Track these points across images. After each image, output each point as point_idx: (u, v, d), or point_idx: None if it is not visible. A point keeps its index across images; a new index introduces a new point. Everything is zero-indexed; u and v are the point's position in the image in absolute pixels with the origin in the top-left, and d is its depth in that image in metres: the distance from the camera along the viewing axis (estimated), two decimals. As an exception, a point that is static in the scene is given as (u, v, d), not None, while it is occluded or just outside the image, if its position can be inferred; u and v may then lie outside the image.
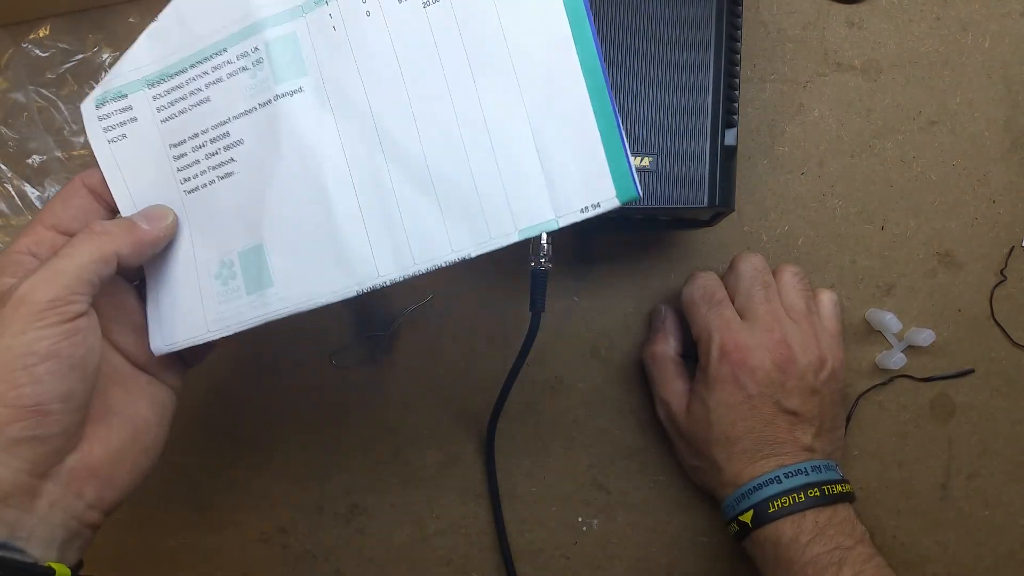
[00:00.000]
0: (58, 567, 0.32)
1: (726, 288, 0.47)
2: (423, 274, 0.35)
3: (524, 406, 0.52)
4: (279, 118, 0.36)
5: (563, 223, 0.34)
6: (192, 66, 0.37)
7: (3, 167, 0.50)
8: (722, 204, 0.43)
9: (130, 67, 0.37)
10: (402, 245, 0.35)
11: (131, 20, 0.50)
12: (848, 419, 0.51)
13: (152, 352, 0.38)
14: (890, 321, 0.50)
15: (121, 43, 0.50)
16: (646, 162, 0.42)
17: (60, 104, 0.50)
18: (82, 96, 0.49)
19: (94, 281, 0.33)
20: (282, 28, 0.36)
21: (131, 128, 0.38)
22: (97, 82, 0.49)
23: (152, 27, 0.37)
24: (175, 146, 0.38)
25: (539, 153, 0.34)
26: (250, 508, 0.52)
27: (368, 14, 0.35)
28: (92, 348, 0.33)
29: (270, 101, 0.36)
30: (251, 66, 0.36)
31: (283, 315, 0.36)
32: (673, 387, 0.48)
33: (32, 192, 0.50)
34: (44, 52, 0.49)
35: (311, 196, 0.36)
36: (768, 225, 0.52)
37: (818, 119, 0.51)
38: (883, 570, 0.41)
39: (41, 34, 0.49)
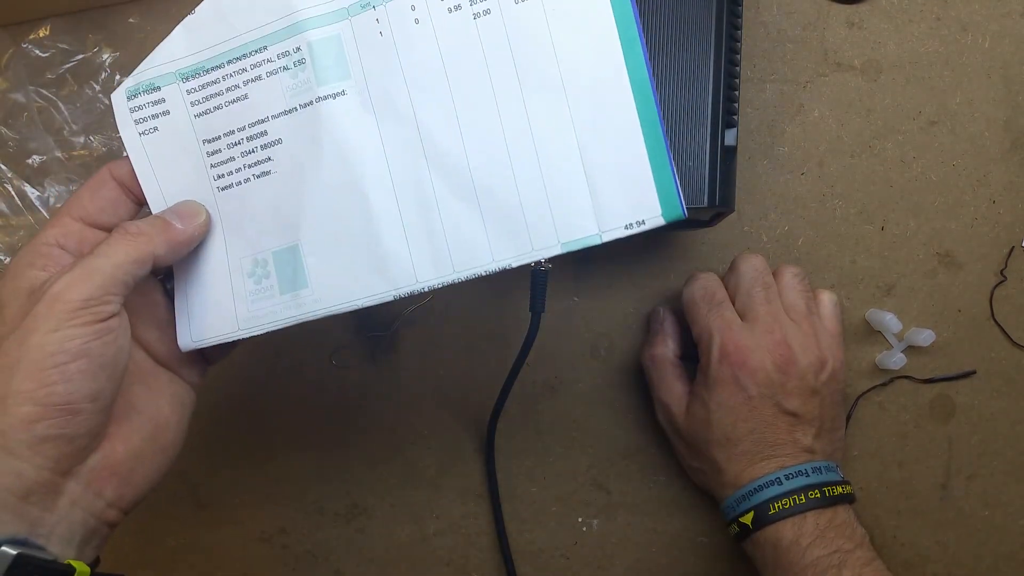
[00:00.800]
0: (78, 565, 0.32)
1: (726, 289, 0.47)
2: (462, 282, 0.35)
3: (524, 406, 0.52)
4: (320, 120, 0.36)
5: (606, 239, 0.34)
6: (230, 62, 0.36)
7: (3, 167, 0.50)
8: (722, 204, 0.43)
9: (164, 59, 0.37)
10: (442, 252, 0.35)
11: (131, 20, 0.50)
12: (848, 419, 0.51)
13: (179, 348, 0.38)
14: (890, 321, 0.50)
15: (121, 43, 0.50)
16: (646, 162, 0.42)
17: (60, 104, 0.50)
18: (82, 96, 0.49)
19: (128, 282, 0.33)
20: (326, 30, 0.35)
21: (163, 121, 0.37)
22: (97, 82, 0.49)
23: (189, 19, 0.36)
24: (209, 142, 0.37)
25: (585, 168, 0.34)
26: (250, 508, 0.52)
27: (417, 22, 0.35)
28: (122, 348, 0.33)
29: (312, 103, 0.36)
30: (292, 66, 0.36)
31: (318, 316, 0.36)
32: (672, 389, 0.48)
33: (32, 192, 0.50)
34: (44, 52, 0.49)
35: (351, 200, 0.36)
36: (768, 225, 0.52)
37: (818, 119, 0.51)
38: (882, 574, 0.41)
39: (41, 34, 0.49)
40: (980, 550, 0.51)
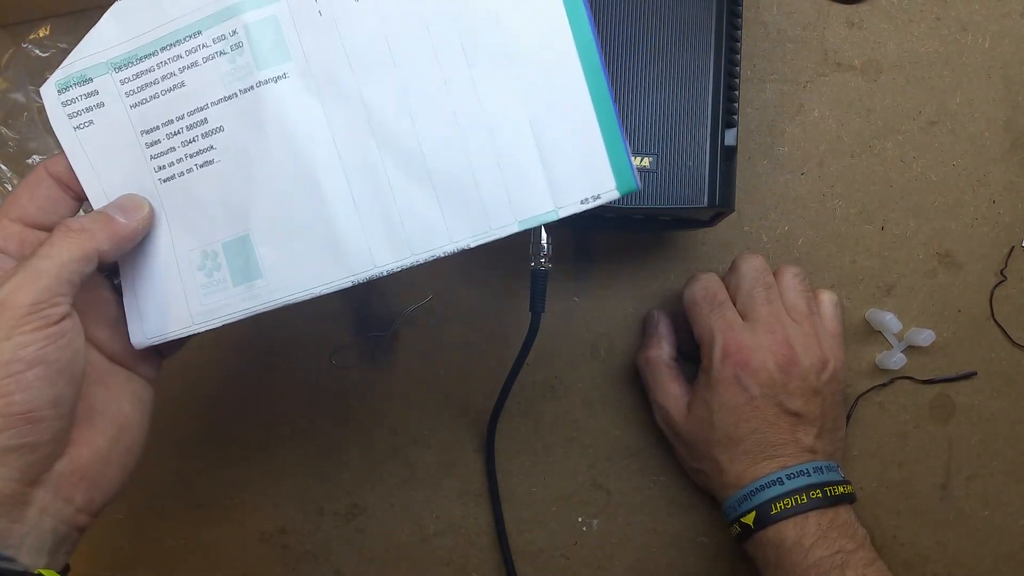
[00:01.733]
0: (48, 573, 0.32)
1: (727, 289, 0.47)
2: (421, 264, 0.34)
3: (524, 406, 0.52)
4: (263, 105, 0.35)
5: (563, 214, 0.34)
6: (163, 49, 0.35)
7: (3, 167, 0.50)
8: (722, 204, 0.43)
9: (94, 48, 0.35)
10: (399, 235, 0.34)
11: (131, 20, 0.50)
12: (848, 419, 0.51)
13: (132, 345, 0.37)
14: (890, 321, 0.50)
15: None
16: (646, 162, 0.42)
17: (60, 104, 0.50)
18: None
19: (75, 281, 0.32)
20: (261, 11, 0.34)
21: (98, 114, 0.36)
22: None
23: (117, 6, 0.35)
24: (147, 132, 0.36)
25: (538, 145, 0.34)
26: (250, 508, 0.52)
27: (357, 0, 0.34)
28: (78, 350, 0.33)
29: (252, 87, 0.35)
30: (229, 50, 0.34)
31: (274, 307, 0.36)
32: (670, 391, 0.48)
33: (32, 192, 0.50)
34: (44, 52, 0.49)
35: (301, 185, 0.35)
36: (768, 225, 0.52)
37: (818, 119, 0.51)
38: (884, 574, 0.41)
39: (41, 34, 0.49)
40: (980, 550, 0.51)
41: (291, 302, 0.35)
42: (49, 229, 0.35)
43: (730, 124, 0.43)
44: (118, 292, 0.38)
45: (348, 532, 0.52)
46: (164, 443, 0.52)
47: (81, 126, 0.36)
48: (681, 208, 0.42)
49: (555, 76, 0.33)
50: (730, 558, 0.51)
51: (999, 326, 0.52)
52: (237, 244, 0.36)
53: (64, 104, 0.36)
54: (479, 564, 0.52)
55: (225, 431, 0.52)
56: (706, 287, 0.46)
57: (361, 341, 0.52)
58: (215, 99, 0.35)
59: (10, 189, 0.50)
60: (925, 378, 0.51)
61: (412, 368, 0.52)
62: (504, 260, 0.51)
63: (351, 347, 0.52)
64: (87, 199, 0.37)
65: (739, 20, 0.44)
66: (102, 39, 0.35)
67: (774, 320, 0.45)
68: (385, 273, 0.35)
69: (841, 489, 0.43)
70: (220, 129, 0.35)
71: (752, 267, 0.46)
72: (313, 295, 0.35)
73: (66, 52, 0.49)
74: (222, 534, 0.52)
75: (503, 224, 0.34)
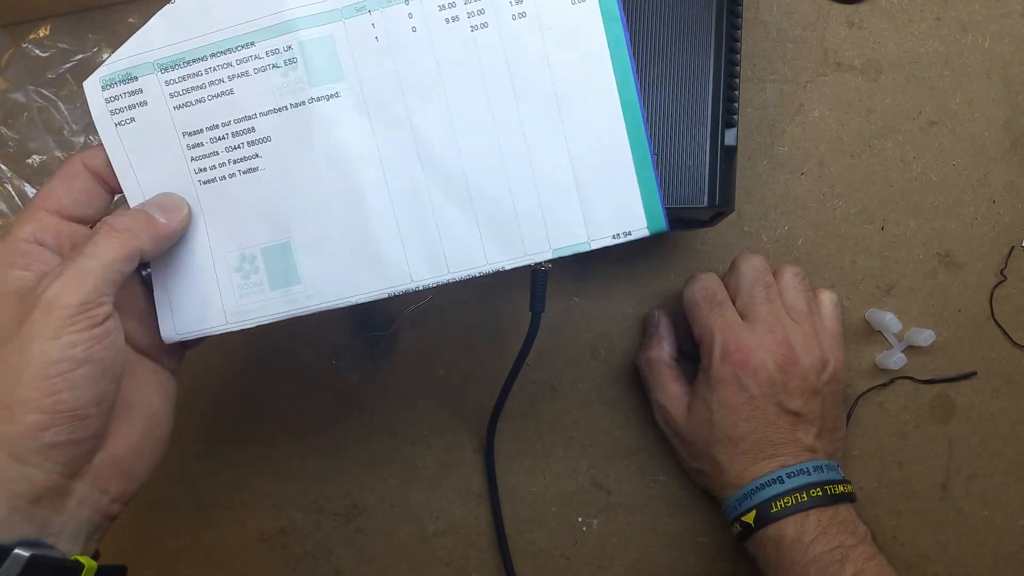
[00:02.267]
0: (85, 560, 0.32)
1: (727, 289, 0.47)
2: (457, 282, 0.36)
3: (524, 406, 0.52)
4: (313, 121, 0.36)
5: (595, 246, 0.36)
6: (213, 55, 0.36)
7: (3, 167, 0.50)
8: (722, 204, 0.43)
9: (141, 48, 0.36)
10: (437, 253, 0.36)
11: (131, 20, 0.50)
12: (848, 419, 0.51)
13: (162, 339, 0.38)
14: (890, 321, 0.50)
15: (121, 43, 0.49)
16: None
17: (60, 104, 0.50)
18: (82, 96, 0.49)
19: (118, 280, 0.33)
20: (318, 30, 0.35)
21: (140, 112, 0.37)
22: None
23: (168, 9, 0.36)
24: (189, 135, 0.37)
25: (576, 180, 0.35)
26: (250, 508, 0.52)
27: (414, 30, 0.35)
28: (120, 348, 0.33)
29: (304, 103, 0.36)
30: (282, 64, 0.36)
31: (310, 312, 0.37)
32: (670, 391, 0.48)
33: (32, 192, 0.50)
34: (44, 52, 0.49)
35: (345, 200, 0.36)
36: (768, 225, 0.52)
37: (818, 119, 0.51)
38: (885, 569, 0.41)
39: (41, 34, 0.49)
40: (980, 550, 0.51)
41: (327, 309, 0.37)
42: (84, 221, 0.36)
43: (730, 124, 0.43)
44: (146, 284, 0.38)
45: (348, 532, 0.52)
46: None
47: (123, 123, 0.37)
48: (681, 208, 0.42)
49: (597, 119, 0.35)
50: (730, 558, 0.51)
51: (999, 326, 0.52)
52: (277, 250, 0.37)
53: (108, 100, 0.37)
54: (479, 564, 0.52)
55: (226, 432, 0.52)
56: (706, 287, 0.46)
57: (361, 341, 0.52)
58: (264, 110, 0.36)
59: (10, 189, 0.50)
60: (925, 378, 0.51)
61: (412, 368, 0.52)
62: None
63: (351, 347, 0.52)
64: (121, 192, 0.37)
65: (739, 20, 0.43)
66: (150, 39, 0.36)
67: (774, 320, 0.45)
68: (421, 288, 0.36)
69: (841, 488, 0.43)
70: (267, 139, 0.36)
71: (752, 267, 0.46)
72: (350, 303, 0.37)
73: (66, 52, 0.49)
74: (223, 534, 0.52)
75: (538, 251, 0.36)
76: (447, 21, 0.35)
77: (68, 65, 0.49)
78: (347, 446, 0.52)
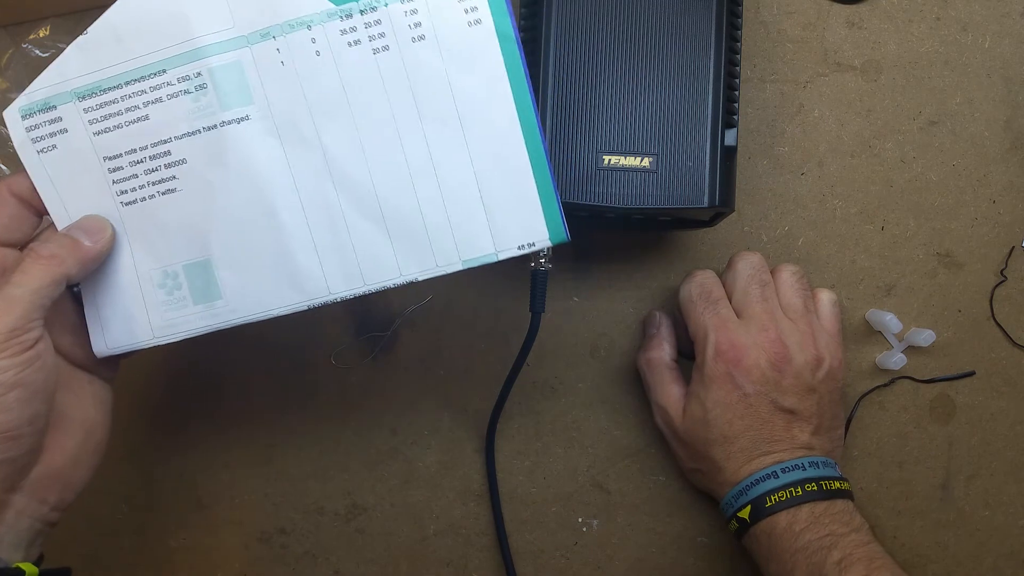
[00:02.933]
0: (26, 567, 0.34)
1: (724, 287, 0.47)
2: (372, 293, 0.38)
3: (524, 406, 0.52)
4: (226, 143, 0.37)
5: (502, 257, 0.38)
6: (127, 83, 0.37)
7: (3, 167, 0.50)
8: (722, 204, 0.43)
9: (58, 78, 0.37)
10: (352, 267, 0.38)
11: (131, 20, 0.50)
12: (849, 422, 0.51)
13: (94, 354, 0.39)
14: (890, 321, 0.50)
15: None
16: (646, 162, 0.42)
17: (60, 104, 0.50)
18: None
19: (46, 304, 0.34)
20: (226, 56, 0.37)
21: (61, 139, 0.38)
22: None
23: (82, 40, 0.37)
24: (110, 159, 0.38)
25: (482, 195, 0.37)
26: (250, 508, 0.52)
27: (318, 54, 0.36)
28: (51, 368, 0.35)
29: (215, 126, 0.37)
30: (193, 90, 0.37)
31: (233, 325, 0.38)
32: (670, 392, 0.48)
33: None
34: (44, 52, 0.49)
35: (261, 218, 0.38)
36: (768, 225, 0.52)
37: (818, 119, 0.51)
38: (878, 557, 0.41)
39: (41, 34, 0.49)
40: (980, 550, 0.51)
41: (249, 322, 0.38)
42: (12, 246, 0.37)
43: (730, 124, 0.43)
44: (77, 300, 0.40)
45: (348, 532, 0.52)
46: (165, 444, 0.52)
47: (44, 150, 0.38)
48: (681, 208, 0.42)
49: (498, 137, 0.37)
50: (730, 558, 0.51)
51: (999, 326, 0.51)
52: (198, 267, 0.38)
53: (28, 129, 0.38)
54: (479, 564, 0.52)
55: (225, 432, 0.52)
56: (701, 284, 0.47)
57: (361, 341, 0.52)
58: (178, 133, 0.37)
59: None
60: (925, 378, 0.51)
61: (412, 368, 0.52)
62: (504, 260, 0.51)
63: (351, 347, 0.52)
64: (47, 214, 0.39)
65: (739, 20, 0.43)
66: (66, 69, 0.37)
67: (768, 318, 0.45)
68: (339, 299, 0.38)
69: (837, 484, 0.43)
70: (183, 161, 0.38)
71: (748, 264, 0.46)
72: (271, 316, 0.38)
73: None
74: (222, 534, 0.52)
75: (449, 262, 0.38)
76: (349, 44, 0.36)
77: (68, 65, 0.49)
78: (347, 446, 0.52)
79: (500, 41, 0.36)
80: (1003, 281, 0.51)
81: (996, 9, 0.51)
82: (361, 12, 0.36)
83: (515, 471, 0.52)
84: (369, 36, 0.36)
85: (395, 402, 0.52)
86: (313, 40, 0.36)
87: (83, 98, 0.37)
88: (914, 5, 0.51)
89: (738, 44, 0.44)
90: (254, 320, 0.38)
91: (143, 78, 0.37)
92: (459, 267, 0.38)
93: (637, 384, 0.51)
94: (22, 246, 0.37)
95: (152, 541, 0.52)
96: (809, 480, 0.43)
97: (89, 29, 0.37)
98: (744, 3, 0.44)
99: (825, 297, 0.48)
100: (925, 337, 0.50)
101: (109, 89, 0.37)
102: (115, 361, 0.41)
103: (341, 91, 0.37)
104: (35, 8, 0.49)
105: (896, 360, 0.50)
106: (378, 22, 0.36)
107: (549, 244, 0.37)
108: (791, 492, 0.42)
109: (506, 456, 0.52)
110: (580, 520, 0.52)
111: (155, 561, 0.52)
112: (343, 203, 0.37)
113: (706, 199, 0.42)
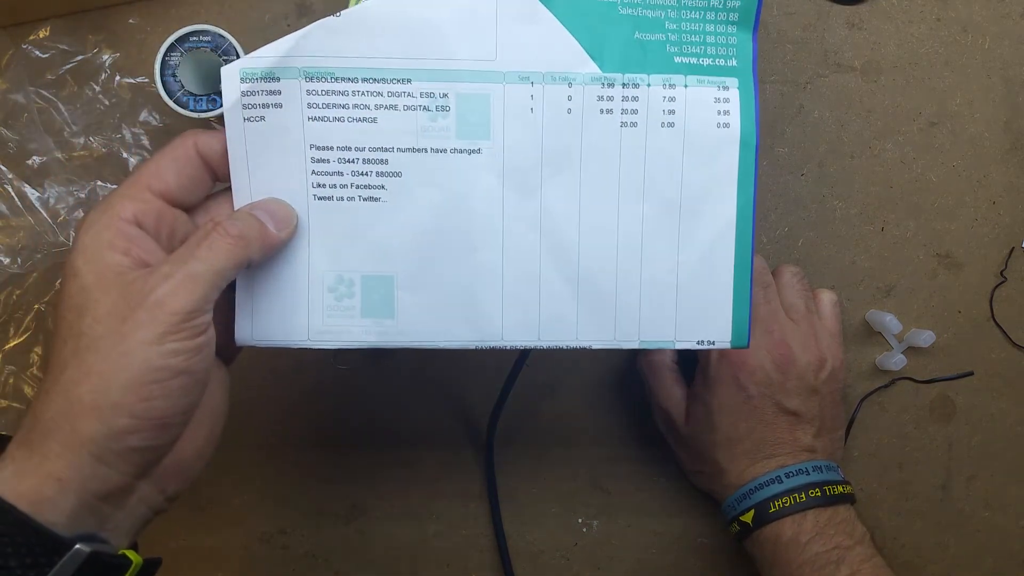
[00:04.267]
0: (132, 556, 0.32)
1: (726, 289, 0.47)
2: (542, 350, 0.38)
3: (524, 406, 0.52)
4: (448, 170, 0.37)
5: (679, 347, 0.38)
6: (365, 80, 0.36)
7: (3, 168, 0.50)
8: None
9: (292, 51, 0.36)
10: (532, 320, 0.38)
11: (131, 21, 0.50)
12: (850, 424, 0.51)
13: (236, 342, 0.37)
14: (890, 322, 0.50)
15: (121, 44, 0.49)
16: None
17: (60, 105, 0.50)
18: (82, 97, 0.49)
19: (222, 287, 0.32)
20: (478, 86, 0.36)
21: (273, 113, 0.36)
22: (97, 83, 0.49)
23: (331, 21, 0.35)
24: (317, 148, 0.36)
25: (678, 285, 0.38)
26: (250, 509, 0.52)
27: (569, 112, 0.37)
28: (212, 359, 0.33)
29: (444, 151, 0.36)
30: (434, 109, 0.36)
31: (395, 346, 0.38)
32: (672, 394, 0.48)
33: (32, 193, 0.50)
34: (44, 53, 0.49)
35: (459, 251, 0.37)
36: (768, 226, 0.52)
37: (818, 120, 0.51)
38: (881, 570, 0.41)
39: (41, 35, 0.49)
40: (980, 551, 0.51)
41: (412, 347, 0.38)
42: (186, 208, 0.35)
43: (730, 125, 0.43)
44: None
45: (348, 533, 0.52)
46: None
47: (252, 119, 0.36)
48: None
49: (711, 235, 0.38)
50: (730, 559, 0.51)
51: (999, 327, 0.51)
52: (378, 281, 0.37)
53: (244, 93, 0.36)
54: (479, 565, 0.52)
55: (226, 432, 0.52)
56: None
57: (361, 342, 0.52)
58: (402, 146, 0.37)
59: (9, 190, 0.50)
60: (925, 379, 0.51)
61: (412, 368, 0.52)
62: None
63: (352, 348, 0.52)
64: (225, 184, 0.36)
65: (739, 21, 0.43)
66: (304, 45, 0.36)
67: (771, 319, 0.45)
68: (508, 347, 0.38)
69: (840, 488, 0.43)
70: (398, 175, 0.37)
71: (751, 267, 0.46)
72: (436, 347, 0.38)
73: (66, 53, 0.49)
74: (223, 535, 0.52)
75: (627, 339, 0.38)
76: (601, 112, 0.37)
77: (68, 66, 0.49)
78: (347, 446, 0.52)
79: (741, 148, 0.37)
80: (1003, 282, 0.51)
81: (996, 10, 0.51)
82: (623, 85, 0.37)
83: (515, 471, 0.52)
84: (623, 109, 0.37)
85: (395, 402, 0.52)
86: (570, 97, 0.36)
87: (311, 79, 0.36)
88: (914, 6, 0.51)
89: (738, 45, 0.44)
90: (418, 346, 0.37)
91: (384, 81, 0.36)
92: (635, 346, 0.38)
93: (637, 385, 0.51)
94: (189, 211, 0.35)
95: (153, 542, 0.52)
96: (813, 485, 0.43)
97: (342, 12, 0.35)
98: (744, 4, 0.44)
99: (826, 298, 0.48)
100: (925, 338, 0.50)
101: (343, 79, 0.36)
102: (238, 348, 0.38)
103: (578, 151, 0.37)
104: (35, 8, 0.49)
105: (896, 361, 0.50)
106: (635, 99, 0.37)
107: (729, 346, 0.38)
108: (795, 498, 0.42)
109: (506, 456, 0.52)
110: (580, 520, 0.52)
111: (155, 562, 0.52)
112: (544, 256, 0.37)
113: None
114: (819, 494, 0.42)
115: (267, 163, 0.36)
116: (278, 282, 0.37)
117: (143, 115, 0.49)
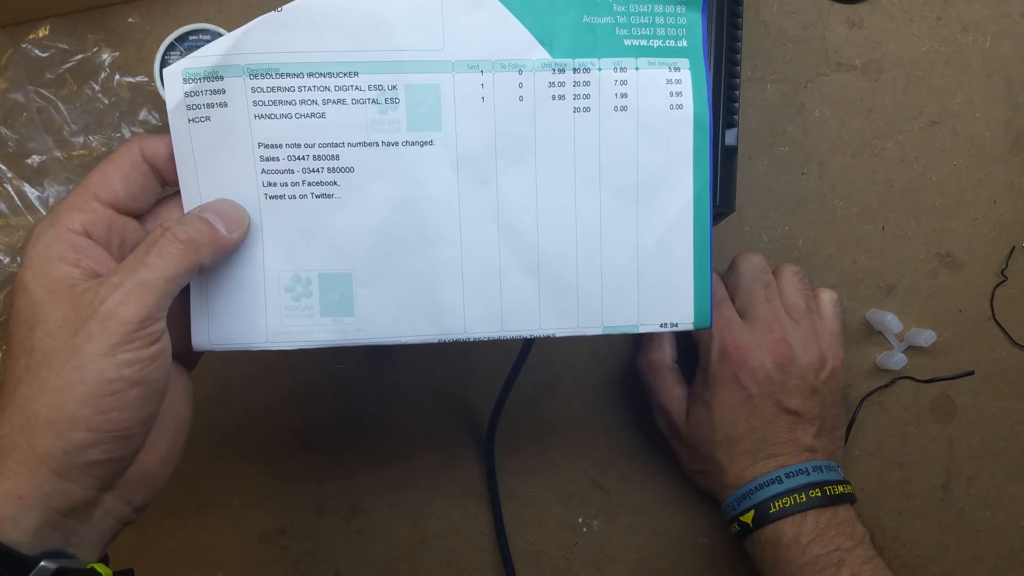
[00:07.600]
0: (101, 568, 0.32)
1: (726, 288, 0.47)
2: (506, 340, 0.37)
3: (524, 406, 0.52)
4: (401, 163, 0.36)
5: (642, 330, 0.38)
6: (311, 75, 0.35)
7: (3, 167, 0.50)
8: (722, 204, 0.42)
9: (233, 49, 0.34)
10: (494, 311, 0.37)
11: (131, 20, 0.50)
12: (851, 423, 0.51)
13: (193, 347, 0.36)
14: (891, 322, 0.50)
15: (121, 43, 0.49)
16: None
17: (60, 104, 0.50)
18: (82, 96, 0.49)
19: (175, 294, 0.32)
20: (427, 76, 0.35)
21: (218, 112, 0.35)
22: (97, 82, 0.49)
23: (273, 16, 0.34)
24: (266, 147, 0.35)
25: (639, 269, 0.37)
26: (250, 508, 0.52)
27: (521, 99, 0.36)
28: (168, 367, 0.32)
29: (396, 144, 0.36)
30: (383, 102, 0.35)
31: (356, 344, 0.37)
32: (672, 394, 0.48)
33: (32, 192, 0.50)
34: (44, 52, 0.49)
35: (416, 245, 0.36)
36: (769, 226, 0.51)
37: (819, 119, 0.51)
38: (882, 572, 0.41)
39: (41, 34, 0.49)
40: (981, 551, 0.51)
41: (374, 344, 0.37)
42: (135, 215, 0.34)
43: (730, 124, 0.43)
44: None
45: (348, 533, 0.52)
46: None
47: (197, 119, 0.35)
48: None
49: (669, 218, 0.37)
50: (730, 559, 0.51)
51: (1000, 326, 0.51)
52: (336, 279, 0.37)
53: (187, 94, 0.35)
54: (479, 565, 0.52)
55: (225, 432, 0.52)
56: (705, 286, 0.46)
57: (361, 341, 0.52)
58: (353, 141, 0.36)
59: (9, 190, 0.50)
60: (926, 378, 0.51)
61: (412, 368, 0.52)
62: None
63: (351, 347, 0.52)
64: (170, 187, 0.36)
65: (739, 20, 0.43)
66: (246, 42, 0.35)
67: (772, 318, 0.45)
68: (472, 339, 0.37)
69: (840, 489, 0.43)
70: (350, 170, 0.36)
71: (751, 265, 0.46)
72: (398, 343, 0.37)
73: (66, 52, 0.49)
74: (222, 535, 0.52)
75: (590, 325, 0.38)
76: (553, 98, 0.36)
77: (68, 65, 0.49)
78: (347, 446, 0.52)
79: (695, 129, 0.37)
80: (1004, 281, 0.51)
81: (997, 9, 0.51)
82: (574, 70, 0.36)
83: (515, 471, 0.52)
84: (575, 94, 0.36)
85: (395, 402, 0.52)
86: (520, 84, 0.36)
87: (255, 76, 0.35)
88: (915, 5, 0.51)
89: (738, 44, 0.43)
90: (380, 343, 0.37)
91: (330, 75, 0.35)
92: (599, 332, 0.38)
93: (637, 384, 0.51)
94: (138, 217, 0.35)
95: (153, 542, 0.52)
96: (813, 485, 0.43)
97: (284, 7, 0.34)
98: (744, 3, 0.44)
99: (827, 297, 0.48)
100: (926, 337, 0.50)
101: (288, 75, 0.35)
102: (198, 354, 0.38)
103: (532, 139, 0.36)
104: (35, 8, 0.49)
105: (897, 360, 0.50)
106: (587, 83, 0.36)
107: (692, 327, 0.38)
108: (795, 498, 0.42)
109: (506, 456, 0.52)
110: (580, 520, 0.52)
111: (155, 561, 0.52)
112: (502, 247, 0.37)
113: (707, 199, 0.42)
114: (819, 494, 0.42)
115: (215, 164, 0.35)
116: (233, 284, 0.36)
117: (143, 114, 0.49)
